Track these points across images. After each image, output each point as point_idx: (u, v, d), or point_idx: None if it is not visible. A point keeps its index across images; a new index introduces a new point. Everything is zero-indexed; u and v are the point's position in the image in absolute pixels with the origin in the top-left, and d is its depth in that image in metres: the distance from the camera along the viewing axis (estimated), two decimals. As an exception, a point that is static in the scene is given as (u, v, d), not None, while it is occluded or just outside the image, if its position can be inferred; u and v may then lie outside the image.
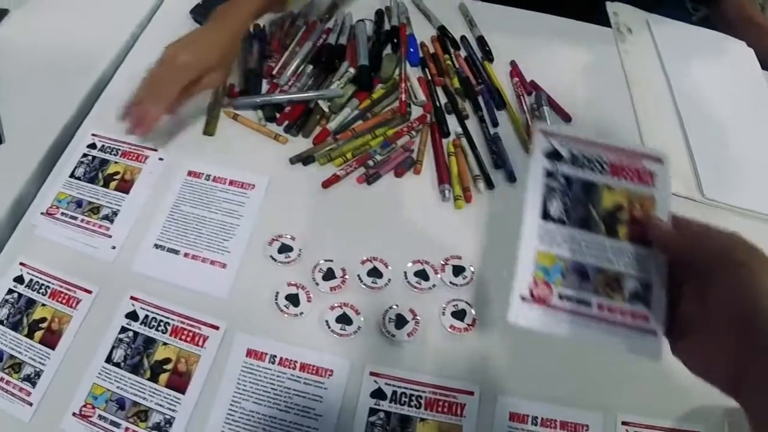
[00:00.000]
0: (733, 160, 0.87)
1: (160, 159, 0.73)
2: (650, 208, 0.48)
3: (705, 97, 0.94)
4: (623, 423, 0.63)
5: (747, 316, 0.40)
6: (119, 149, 0.74)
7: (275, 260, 0.67)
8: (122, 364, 0.60)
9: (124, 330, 0.62)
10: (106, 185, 0.71)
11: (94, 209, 0.69)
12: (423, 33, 0.93)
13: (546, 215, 0.48)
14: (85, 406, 0.58)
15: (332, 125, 0.77)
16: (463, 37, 0.93)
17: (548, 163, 0.49)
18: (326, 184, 0.73)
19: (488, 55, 0.90)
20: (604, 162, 0.49)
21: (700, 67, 0.99)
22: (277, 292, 0.64)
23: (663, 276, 0.46)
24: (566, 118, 0.85)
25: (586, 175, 0.49)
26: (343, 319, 0.64)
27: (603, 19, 1.04)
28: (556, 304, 0.45)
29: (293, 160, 0.74)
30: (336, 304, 0.64)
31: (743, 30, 1.09)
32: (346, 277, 0.66)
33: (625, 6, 1.07)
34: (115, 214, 0.69)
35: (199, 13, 0.87)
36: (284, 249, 0.68)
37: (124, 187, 0.71)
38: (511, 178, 0.77)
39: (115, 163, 0.73)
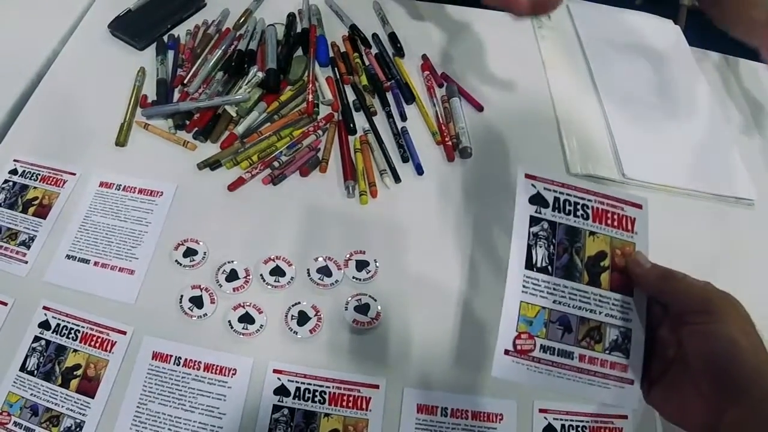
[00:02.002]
0: (652, 138, 0.89)
1: (72, 174, 0.75)
2: (631, 254, 0.49)
3: (625, 78, 0.95)
4: (540, 410, 0.63)
5: (725, 367, 0.41)
6: (39, 174, 0.75)
7: (180, 264, 0.68)
8: (35, 372, 0.62)
9: (37, 339, 0.63)
10: (24, 211, 0.72)
11: (12, 235, 0.70)
12: (336, 33, 0.94)
13: (530, 265, 0.48)
14: (1, 413, 0.60)
15: (239, 129, 0.78)
16: (374, 35, 0.94)
17: (533, 209, 0.49)
18: (232, 188, 0.74)
19: (399, 51, 0.91)
20: (587, 207, 0.50)
21: (622, 47, 1.00)
22: (182, 295, 0.66)
23: (642, 324, 0.48)
24: (478, 107, 0.87)
25: (570, 222, 0.49)
26: (246, 319, 0.65)
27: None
28: (538, 356, 0.46)
29: (201, 166, 0.76)
30: (239, 304, 0.66)
31: None
32: (249, 277, 0.68)
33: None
34: (32, 239, 0.70)
35: (116, 28, 0.88)
36: (189, 253, 0.69)
37: (42, 212, 0.72)
38: (419, 170, 0.78)
39: (34, 188, 0.74)
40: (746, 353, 0.41)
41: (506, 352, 0.46)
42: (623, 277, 0.49)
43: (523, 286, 0.47)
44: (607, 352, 0.47)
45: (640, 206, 0.51)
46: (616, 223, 0.50)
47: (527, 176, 0.50)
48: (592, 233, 0.49)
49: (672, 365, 0.46)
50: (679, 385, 0.45)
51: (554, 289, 0.48)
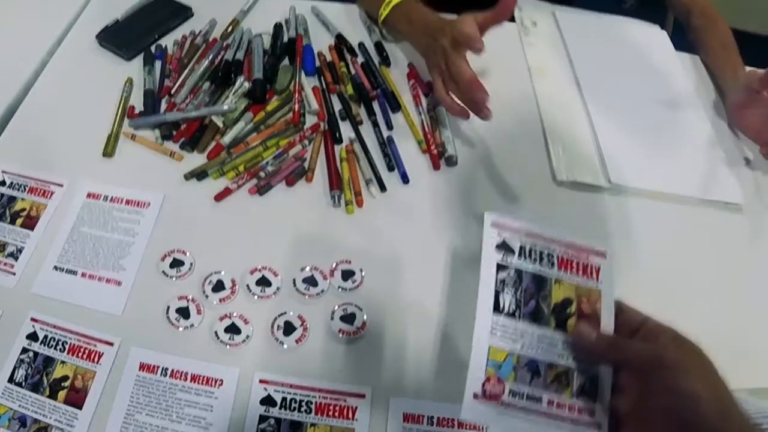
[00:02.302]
0: (639, 143, 0.89)
1: (60, 185, 0.76)
2: (597, 301, 0.50)
3: (612, 83, 0.96)
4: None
5: (688, 422, 0.41)
6: (26, 185, 0.76)
7: (167, 275, 0.69)
8: (24, 383, 0.62)
9: (25, 351, 0.64)
10: (12, 222, 0.73)
11: (0, 247, 0.71)
12: (322, 43, 0.95)
13: (498, 309, 0.48)
14: (-11, 426, 0.61)
15: (226, 139, 0.79)
16: (360, 44, 0.95)
17: (499, 256, 0.50)
18: (219, 198, 0.75)
19: (385, 60, 0.92)
20: (553, 256, 0.51)
21: (608, 53, 1.01)
22: (168, 306, 0.66)
23: (608, 368, 0.48)
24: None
25: (536, 270, 0.50)
26: (232, 329, 0.66)
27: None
28: (507, 400, 0.46)
29: (188, 176, 0.76)
30: (225, 315, 0.66)
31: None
32: (236, 287, 0.68)
33: (530, 0, 1.08)
34: (20, 251, 0.70)
35: (104, 39, 0.89)
36: (176, 264, 0.70)
37: (30, 224, 0.73)
38: (405, 179, 0.79)
39: (22, 199, 0.75)
40: (709, 404, 0.41)
41: (475, 396, 0.46)
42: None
43: (492, 331, 0.48)
44: (575, 396, 0.47)
45: (603, 254, 0.52)
46: (581, 271, 0.51)
47: (494, 224, 0.51)
48: (558, 280, 0.50)
49: (633, 413, 0.46)
50: (643, 430, 0.45)
51: (522, 334, 0.48)
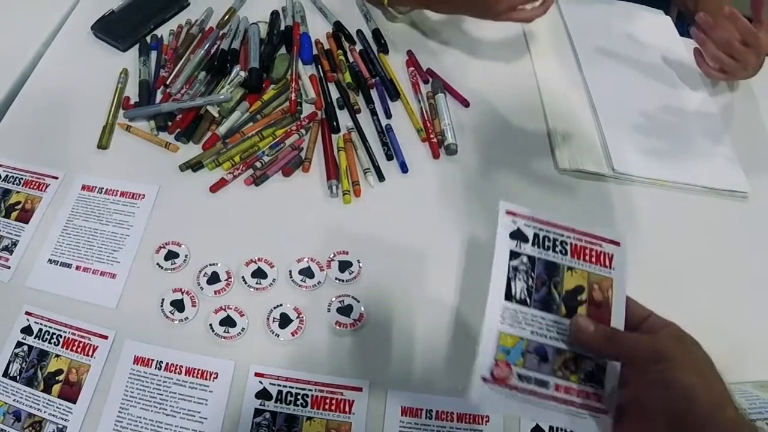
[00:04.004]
0: (643, 131, 0.87)
1: (55, 178, 0.75)
2: (608, 289, 0.50)
3: (615, 70, 0.95)
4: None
5: (681, 414, 0.41)
6: (21, 178, 0.75)
7: (162, 267, 0.68)
8: (18, 377, 0.62)
9: (19, 344, 0.63)
10: (7, 215, 0.72)
11: (-5, 240, 0.70)
12: (320, 31, 0.94)
13: (509, 296, 0.49)
14: (-16, 420, 0.60)
15: (221, 130, 0.78)
16: (358, 31, 0.93)
17: (513, 244, 0.50)
18: (214, 189, 0.74)
19: (383, 48, 0.90)
20: (566, 243, 0.51)
21: (611, 39, 0.99)
22: (163, 299, 0.66)
23: None
24: (464, 103, 0.86)
25: (549, 257, 0.50)
26: (227, 322, 0.65)
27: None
28: (515, 384, 0.47)
29: (183, 167, 0.75)
30: (220, 307, 0.65)
31: None
32: (231, 279, 0.68)
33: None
34: (14, 244, 0.70)
35: (99, 29, 0.88)
36: (170, 256, 0.69)
37: (25, 217, 0.72)
38: (403, 168, 0.78)
39: (17, 192, 0.74)
40: (703, 395, 0.41)
41: (484, 379, 0.46)
42: (599, 311, 0.49)
43: (501, 317, 0.48)
44: (582, 382, 0.47)
45: (617, 243, 0.52)
46: (593, 259, 0.51)
47: (508, 212, 0.51)
48: (570, 268, 0.50)
49: (633, 401, 0.46)
50: (638, 424, 0.45)
51: (532, 320, 0.48)
